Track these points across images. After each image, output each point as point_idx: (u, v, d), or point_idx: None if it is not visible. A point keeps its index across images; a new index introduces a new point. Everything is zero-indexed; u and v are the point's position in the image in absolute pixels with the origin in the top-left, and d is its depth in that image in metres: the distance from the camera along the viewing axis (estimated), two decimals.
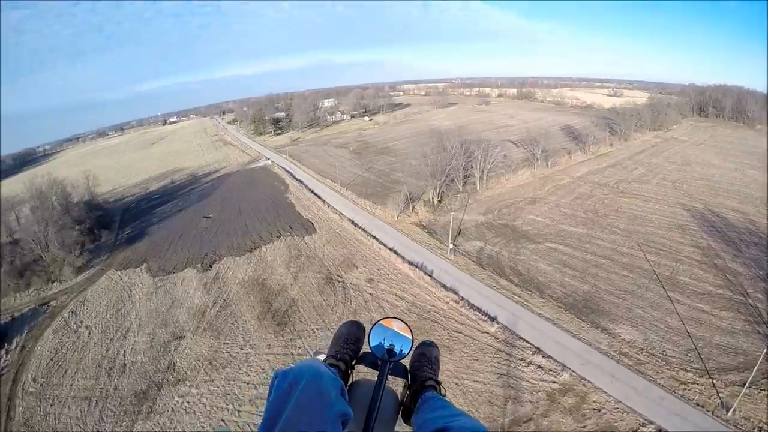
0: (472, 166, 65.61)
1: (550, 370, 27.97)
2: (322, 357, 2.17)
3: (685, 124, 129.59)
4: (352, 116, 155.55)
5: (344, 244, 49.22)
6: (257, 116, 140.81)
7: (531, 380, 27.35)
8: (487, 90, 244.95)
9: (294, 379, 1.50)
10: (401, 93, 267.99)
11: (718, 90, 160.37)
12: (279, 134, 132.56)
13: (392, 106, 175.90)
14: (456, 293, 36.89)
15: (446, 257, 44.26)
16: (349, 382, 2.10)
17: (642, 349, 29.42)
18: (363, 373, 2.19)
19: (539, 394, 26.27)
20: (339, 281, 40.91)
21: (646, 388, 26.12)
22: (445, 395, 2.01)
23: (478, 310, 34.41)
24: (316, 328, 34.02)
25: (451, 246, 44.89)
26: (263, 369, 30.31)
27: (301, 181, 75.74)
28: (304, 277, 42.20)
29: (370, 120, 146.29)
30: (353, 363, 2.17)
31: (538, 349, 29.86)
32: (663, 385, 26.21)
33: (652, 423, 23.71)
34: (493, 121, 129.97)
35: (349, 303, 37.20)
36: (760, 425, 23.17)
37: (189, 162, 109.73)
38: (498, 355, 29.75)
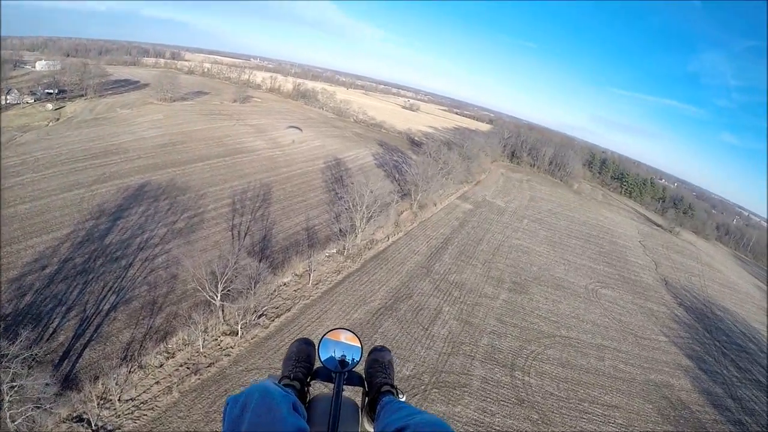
0: None
1: None
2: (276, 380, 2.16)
3: (496, 173, 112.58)
4: (36, 99, 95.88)
5: None
6: None
7: None
8: (259, 78, 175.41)
9: (244, 402, 1.54)
10: (178, 63, 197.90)
11: (534, 132, 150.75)
12: None
13: (116, 84, 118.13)
14: None
15: None
16: (308, 399, 2.10)
17: None
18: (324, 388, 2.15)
19: None
20: None
21: None
22: (402, 398, 2.06)
23: None
24: None
25: None
26: None
27: None
28: None
29: (56, 109, 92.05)
30: (308, 380, 2.18)
31: None
32: None
33: None
34: (224, 140, 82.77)
35: None
36: None
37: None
38: None
